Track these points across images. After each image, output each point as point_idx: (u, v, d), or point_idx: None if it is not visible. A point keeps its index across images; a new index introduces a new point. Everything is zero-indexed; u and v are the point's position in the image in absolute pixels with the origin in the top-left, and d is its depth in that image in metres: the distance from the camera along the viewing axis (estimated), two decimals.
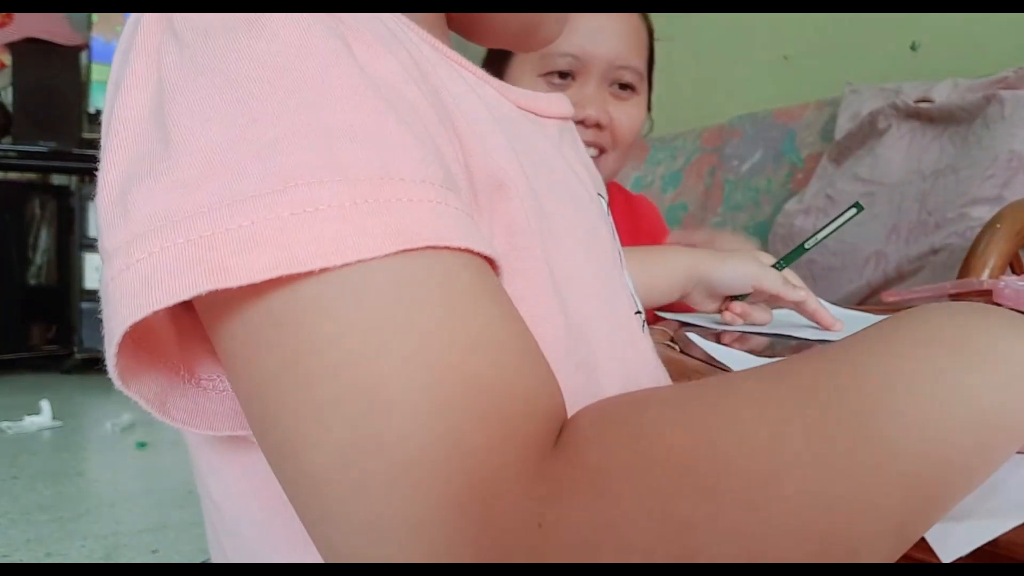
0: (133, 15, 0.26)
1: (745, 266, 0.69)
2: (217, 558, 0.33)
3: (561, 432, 0.22)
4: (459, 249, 0.22)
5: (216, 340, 0.23)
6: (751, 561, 0.18)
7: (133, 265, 0.21)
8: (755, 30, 1.99)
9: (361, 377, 0.20)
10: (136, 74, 0.24)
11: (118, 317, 0.21)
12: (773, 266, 0.71)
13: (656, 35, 0.91)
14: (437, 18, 0.36)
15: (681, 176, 1.92)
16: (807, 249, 0.72)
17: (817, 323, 0.67)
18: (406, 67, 0.26)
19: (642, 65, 0.88)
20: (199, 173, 0.21)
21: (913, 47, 1.69)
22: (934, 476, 0.20)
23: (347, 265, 0.20)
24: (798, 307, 0.68)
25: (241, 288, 0.20)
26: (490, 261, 0.24)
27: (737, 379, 0.22)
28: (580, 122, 0.83)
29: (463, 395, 0.20)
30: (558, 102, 0.39)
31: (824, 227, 0.71)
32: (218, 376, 0.26)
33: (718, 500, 0.18)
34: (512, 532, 0.19)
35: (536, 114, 0.37)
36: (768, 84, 1.98)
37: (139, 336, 0.23)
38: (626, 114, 0.87)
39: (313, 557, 0.25)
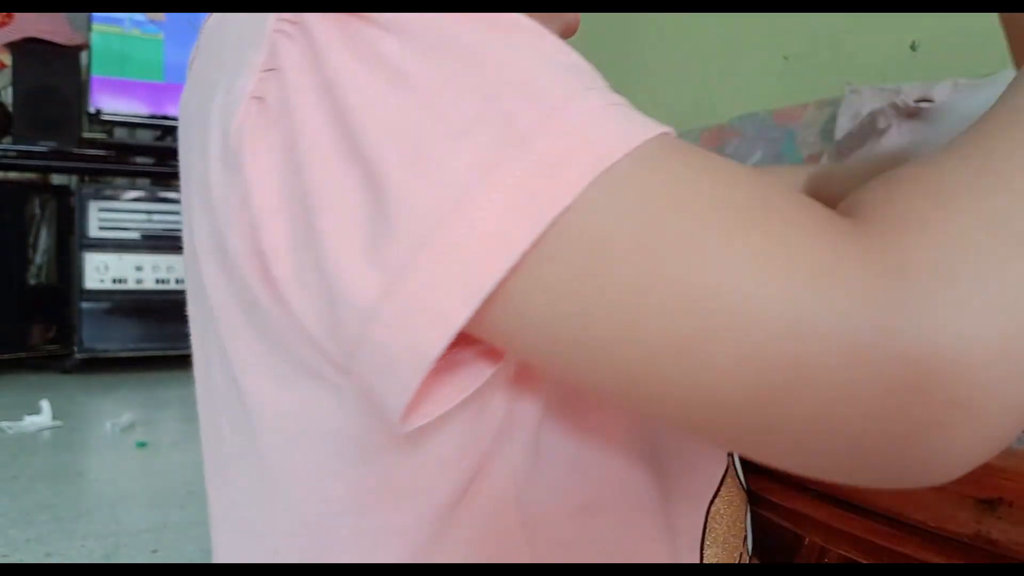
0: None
1: None
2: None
3: (852, 215, 0.23)
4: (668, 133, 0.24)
5: (507, 318, 0.23)
6: None
7: (418, 292, 0.22)
8: (755, 30, 1.99)
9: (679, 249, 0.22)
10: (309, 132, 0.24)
11: (433, 335, 0.22)
12: None
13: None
14: None
15: None
16: None
17: None
18: None
19: None
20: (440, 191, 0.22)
21: (913, 47, 1.69)
22: None
23: (615, 165, 0.21)
24: None
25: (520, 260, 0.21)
26: None
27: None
28: None
29: (765, 223, 0.22)
30: None
31: None
32: None
33: None
34: (867, 318, 0.20)
35: None
36: (768, 84, 1.98)
37: None
38: None
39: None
